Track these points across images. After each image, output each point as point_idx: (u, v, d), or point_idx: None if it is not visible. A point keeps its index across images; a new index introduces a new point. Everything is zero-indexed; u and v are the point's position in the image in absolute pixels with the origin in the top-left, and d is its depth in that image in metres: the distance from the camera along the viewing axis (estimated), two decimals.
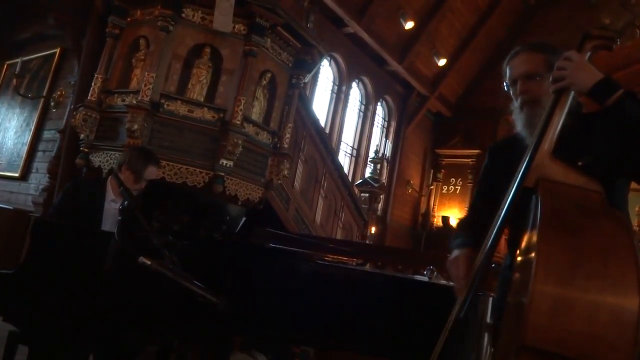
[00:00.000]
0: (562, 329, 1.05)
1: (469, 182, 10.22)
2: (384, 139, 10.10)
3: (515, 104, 1.65)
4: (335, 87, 8.78)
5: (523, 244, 1.32)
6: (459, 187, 10.49)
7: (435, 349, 1.46)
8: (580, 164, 1.39)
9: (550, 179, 1.33)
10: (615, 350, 1.03)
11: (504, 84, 1.70)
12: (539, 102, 1.57)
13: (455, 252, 1.65)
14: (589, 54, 1.49)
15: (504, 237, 1.47)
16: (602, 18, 1.47)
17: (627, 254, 1.10)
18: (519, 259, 1.35)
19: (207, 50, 4.00)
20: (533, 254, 1.13)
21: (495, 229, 1.40)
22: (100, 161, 3.99)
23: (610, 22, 1.47)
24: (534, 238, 1.16)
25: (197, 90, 3.98)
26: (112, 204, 2.71)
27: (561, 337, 1.05)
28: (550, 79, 1.47)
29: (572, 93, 1.46)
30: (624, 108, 1.37)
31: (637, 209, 9.89)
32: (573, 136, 1.48)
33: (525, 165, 1.38)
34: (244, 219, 2.91)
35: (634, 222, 9.89)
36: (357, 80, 9.25)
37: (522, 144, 1.54)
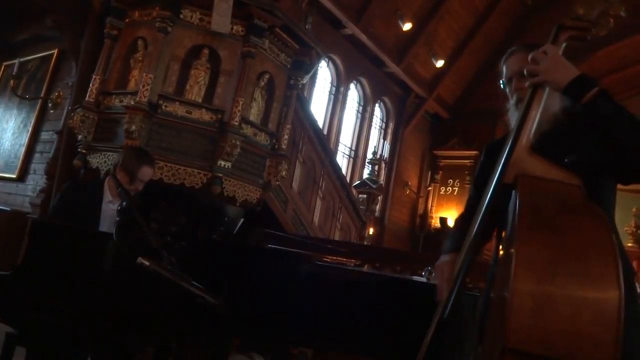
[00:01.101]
0: (545, 329, 1.03)
1: (467, 184, 10.23)
2: (382, 140, 10.11)
3: (511, 101, 1.67)
4: (333, 89, 8.79)
5: (504, 241, 1.32)
6: (457, 189, 10.50)
7: (420, 351, 1.46)
8: (566, 160, 1.37)
9: (529, 174, 1.31)
10: (599, 347, 1.01)
11: (500, 82, 1.72)
12: None
13: (442, 257, 1.67)
14: (564, 45, 1.49)
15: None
16: (576, 8, 1.45)
17: (607, 250, 1.08)
18: (500, 255, 1.35)
19: (206, 51, 4.00)
20: (512, 251, 1.11)
21: (476, 228, 1.39)
22: (98, 162, 3.99)
23: (584, 13, 1.44)
24: (514, 235, 1.14)
25: (195, 91, 3.98)
26: (110, 205, 2.71)
27: (544, 338, 1.03)
28: (525, 72, 1.46)
29: (547, 89, 1.45)
30: (597, 107, 1.36)
31: (634, 210, 9.92)
32: (562, 135, 1.49)
33: (504, 161, 1.36)
34: (242, 220, 2.91)
35: (631, 223, 9.93)
36: (355, 82, 9.26)
37: None
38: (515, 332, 1.03)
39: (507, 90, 1.69)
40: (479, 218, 1.39)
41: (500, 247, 1.38)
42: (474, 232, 1.41)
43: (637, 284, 1.50)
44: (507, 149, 1.38)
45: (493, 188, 1.36)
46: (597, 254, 1.08)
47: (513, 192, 1.30)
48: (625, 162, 1.38)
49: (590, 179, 1.33)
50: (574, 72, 1.39)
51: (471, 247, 1.38)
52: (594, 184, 1.35)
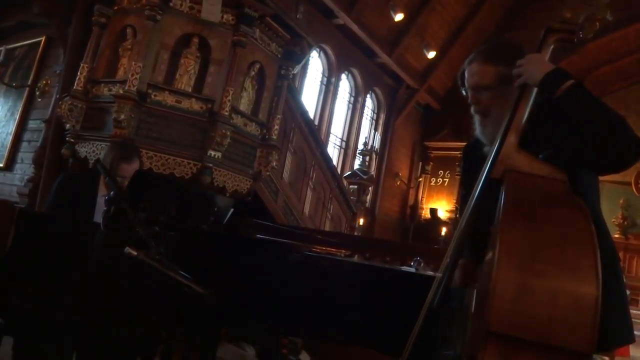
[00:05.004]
0: (525, 314, 1.10)
1: (457, 175, 10.27)
2: (373, 131, 10.11)
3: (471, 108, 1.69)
4: (325, 79, 8.76)
5: (491, 236, 1.35)
6: (447, 180, 10.55)
7: (409, 338, 1.49)
8: (540, 156, 1.41)
9: (516, 169, 1.37)
10: (576, 333, 1.07)
11: (462, 88, 1.73)
12: (488, 114, 1.61)
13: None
14: (552, 47, 1.53)
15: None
16: (564, 12, 1.51)
17: (585, 240, 1.14)
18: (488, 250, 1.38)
19: (195, 40, 3.96)
20: (496, 241, 1.17)
21: (465, 221, 1.44)
22: (86, 151, 3.95)
23: (571, 16, 1.50)
24: (498, 227, 1.20)
25: (185, 80, 3.95)
26: (104, 199, 2.67)
27: (524, 322, 1.09)
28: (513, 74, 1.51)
29: (535, 89, 1.49)
30: (571, 99, 1.39)
31: (621, 201, 10.03)
32: (539, 128, 1.52)
33: (492, 158, 1.41)
34: (232, 210, 2.90)
35: (618, 215, 10.05)
36: (346, 72, 9.23)
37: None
38: (496, 316, 1.10)
39: (467, 95, 1.70)
40: (469, 211, 1.43)
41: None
42: (462, 225, 1.44)
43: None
44: (496, 146, 1.42)
45: (482, 183, 1.40)
46: (575, 243, 1.14)
47: (501, 188, 1.33)
48: (599, 153, 1.41)
49: (568, 171, 1.36)
50: (549, 67, 1.44)
51: (460, 239, 1.41)
52: (573, 176, 1.38)
